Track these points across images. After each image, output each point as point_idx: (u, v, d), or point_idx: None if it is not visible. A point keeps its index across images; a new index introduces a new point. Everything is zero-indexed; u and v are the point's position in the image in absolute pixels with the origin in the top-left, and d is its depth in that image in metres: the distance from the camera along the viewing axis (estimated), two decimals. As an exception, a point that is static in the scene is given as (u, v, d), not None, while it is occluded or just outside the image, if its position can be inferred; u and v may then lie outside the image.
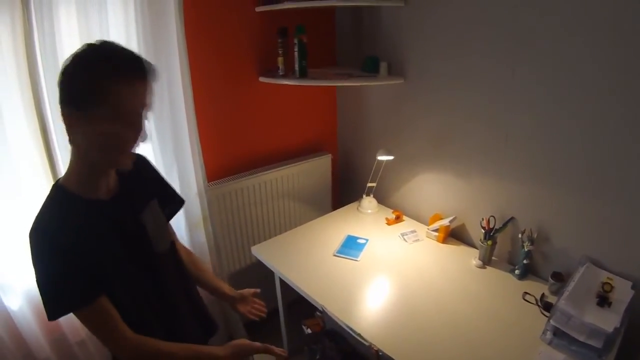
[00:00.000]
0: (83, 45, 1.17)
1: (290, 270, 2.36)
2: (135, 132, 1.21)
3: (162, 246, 1.51)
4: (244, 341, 1.55)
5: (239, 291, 1.90)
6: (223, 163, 2.83)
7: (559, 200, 2.15)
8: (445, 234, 2.62)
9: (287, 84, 2.65)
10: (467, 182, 2.57)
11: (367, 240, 2.65)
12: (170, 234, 1.63)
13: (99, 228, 1.29)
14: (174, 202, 1.71)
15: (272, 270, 2.47)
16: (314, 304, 2.15)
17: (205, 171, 2.57)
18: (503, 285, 2.24)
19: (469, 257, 2.47)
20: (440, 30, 2.43)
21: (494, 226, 2.36)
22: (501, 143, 2.31)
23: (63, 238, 1.19)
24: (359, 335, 1.86)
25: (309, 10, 2.72)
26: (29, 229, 1.20)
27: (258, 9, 2.62)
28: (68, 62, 1.15)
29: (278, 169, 2.98)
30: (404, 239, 2.67)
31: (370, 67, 2.81)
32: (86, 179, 1.28)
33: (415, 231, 2.75)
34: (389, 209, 3.08)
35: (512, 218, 2.36)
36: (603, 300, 1.83)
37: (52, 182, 1.34)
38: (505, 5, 2.10)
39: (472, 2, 2.23)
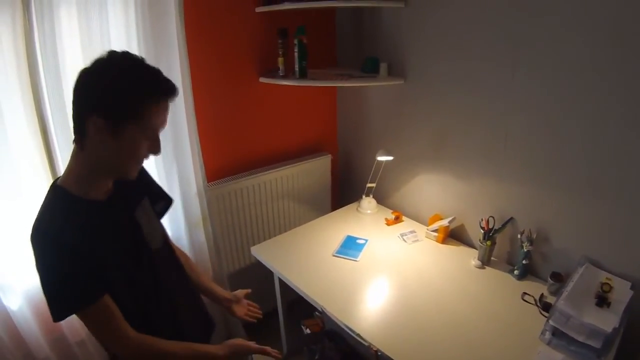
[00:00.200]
0: (108, 54, 1.22)
1: (290, 270, 2.36)
2: (154, 147, 1.29)
3: (155, 243, 1.53)
4: (241, 341, 1.57)
5: (233, 293, 1.91)
6: (223, 163, 2.83)
7: (558, 200, 2.15)
8: (444, 235, 2.63)
9: (287, 85, 2.65)
10: (467, 183, 2.57)
11: (366, 240, 2.65)
12: (162, 231, 1.64)
13: (99, 228, 1.30)
14: (163, 200, 1.72)
15: (271, 271, 2.47)
16: (313, 304, 2.15)
17: (205, 171, 2.58)
18: (502, 285, 2.24)
19: (468, 257, 2.48)
20: (441, 32, 2.44)
21: (493, 226, 2.36)
22: (501, 144, 2.31)
23: (65, 238, 1.20)
24: (358, 335, 1.87)
25: (309, 10, 2.72)
26: (31, 230, 1.21)
27: (258, 10, 2.62)
28: (101, 69, 1.19)
29: (278, 169, 2.98)
30: (404, 240, 2.67)
31: (370, 68, 2.82)
32: (85, 180, 1.29)
33: (414, 231, 2.75)
34: (388, 209, 3.08)
35: (511, 218, 2.37)
36: (602, 301, 1.83)
37: (51, 183, 1.35)
38: (505, 6, 2.10)
39: (472, 3, 2.23)
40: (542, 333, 1.84)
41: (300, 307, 2.49)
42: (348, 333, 1.91)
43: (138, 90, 1.18)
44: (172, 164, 2.41)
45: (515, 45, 2.11)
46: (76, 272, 1.21)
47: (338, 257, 2.48)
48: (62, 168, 1.97)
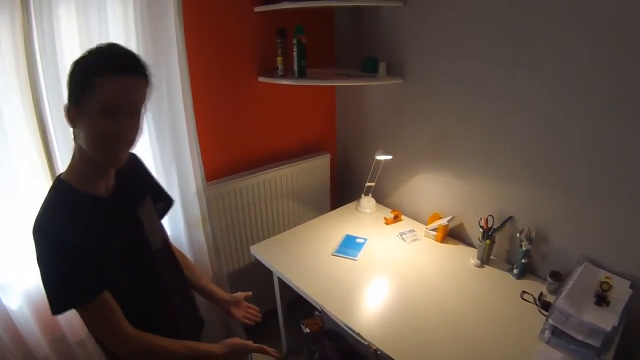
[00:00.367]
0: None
1: (289, 269, 2.36)
2: (122, 127, 1.23)
3: (156, 242, 1.54)
4: (239, 340, 1.58)
5: (232, 295, 1.91)
6: (222, 163, 2.83)
7: (558, 199, 2.15)
8: (443, 234, 2.63)
9: (286, 84, 2.65)
10: (466, 182, 2.57)
11: (365, 239, 2.65)
12: (162, 230, 1.65)
13: (100, 224, 1.32)
14: (164, 200, 1.74)
15: (271, 270, 2.47)
16: (312, 303, 2.15)
17: (204, 171, 2.57)
18: (501, 284, 2.24)
19: (468, 256, 2.48)
20: (440, 31, 2.44)
21: (492, 225, 2.37)
22: (500, 143, 2.31)
23: (67, 237, 1.21)
24: (357, 334, 1.87)
25: (308, 10, 2.73)
26: (33, 224, 1.22)
27: (257, 9, 2.62)
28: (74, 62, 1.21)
29: (277, 168, 2.99)
30: (403, 239, 2.67)
31: (369, 67, 2.82)
32: (86, 175, 1.31)
33: (413, 231, 2.76)
34: (387, 208, 3.08)
35: (510, 217, 2.37)
36: (601, 300, 1.84)
37: (51, 183, 1.36)
38: (504, 6, 2.10)
39: (471, 2, 2.23)
40: (542, 332, 1.84)
41: (299, 306, 2.49)
42: (347, 332, 1.91)
43: (92, 68, 1.17)
44: (171, 163, 2.40)
45: (515, 45, 2.11)
46: (77, 270, 1.23)
47: (337, 256, 2.48)
48: (61, 168, 1.97)
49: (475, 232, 2.54)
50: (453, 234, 2.72)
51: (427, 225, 2.73)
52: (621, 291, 1.89)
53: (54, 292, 1.24)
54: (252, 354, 1.92)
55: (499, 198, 2.41)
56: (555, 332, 1.78)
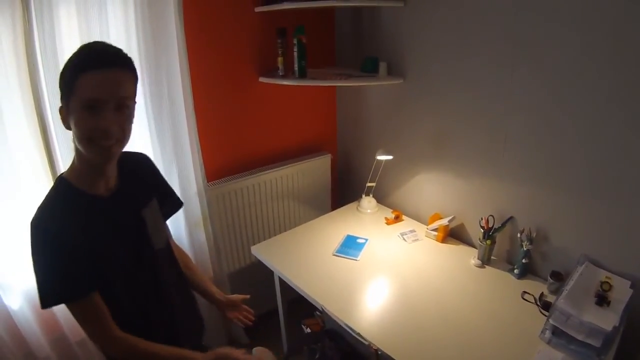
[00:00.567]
0: None
1: (290, 269, 2.36)
2: (107, 122, 1.22)
3: (159, 243, 1.54)
4: (229, 350, 1.56)
5: (228, 296, 1.91)
6: (223, 163, 2.83)
7: (558, 199, 2.15)
8: (444, 234, 2.63)
9: (286, 84, 2.66)
10: (467, 182, 2.57)
11: (366, 239, 2.65)
12: (166, 232, 1.65)
13: (98, 224, 1.34)
14: (172, 202, 1.74)
15: (271, 270, 2.47)
16: (313, 303, 2.15)
17: (205, 171, 2.58)
18: (502, 284, 2.24)
19: (468, 256, 2.48)
20: (440, 31, 2.44)
21: (493, 226, 2.36)
22: (500, 143, 2.31)
23: (63, 231, 1.24)
24: (358, 334, 1.87)
25: (308, 10, 2.73)
26: (31, 218, 1.24)
27: (257, 10, 2.62)
28: None
29: (278, 169, 2.99)
30: (404, 239, 2.67)
31: (369, 68, 2.82)
32: (85, 175, 1.33)
33: (414, 231, 2.75)
34: (388, 208, 3.08)
35: (511, 217, 2.37)
36: (602, 300, 1.83)
37: (52, 183, 1.37)
38: (504, 7, 2.10)
39: (473, 3, 2.23)
40: (542, 332, 1.84)
41: (300, 306, 2.49)
42: (348, 332, 1.91)
43: (72, 64, 1.18)
44: (171, 163, 2.41)
45: (515, 45, 2.11)
46: (69, 267, 1.25)
47: (338, 256, 2.48)
48: (62, 167, 1.98)
49: (475, 232, 2.54)
50: (454, 234, 2.71)
51: (427, 225, 2.73)
52: (622, 291, 1.88)
53: (44, 287, 1.27)
54: (254, 349, 1.93)
55: (500, 198, 2.41)
56: (556, 332, 1.78)
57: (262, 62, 2.81)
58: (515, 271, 2.28)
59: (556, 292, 2.05)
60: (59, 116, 1.25)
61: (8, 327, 2.01)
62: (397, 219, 2.91)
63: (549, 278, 2.13)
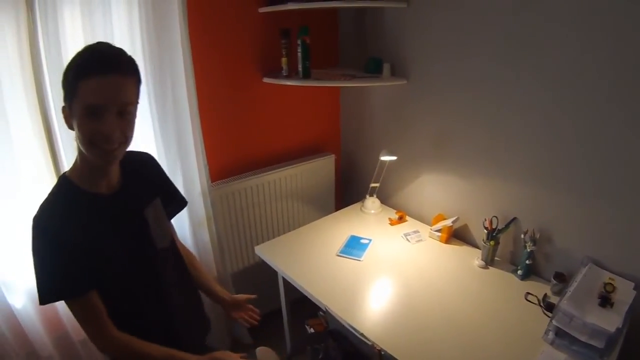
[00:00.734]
0: None
1: (294, 270, 2.36)
2: (110, 127, 1.22)
3: (162, 243, 1.54)
4: (227, 354, 1.56)
5: (233, 296, 1.90)
6: (227, 163, 2.84)
7: (562, 200, 2.15)
8: (448, 235, 2.63)
9: (290, 85, 2.66)
10: (470, 183, 2.57)
11: (370, 240, 2.65)
12: (170, 231, 1.65)
13: (98, 223, 1.35)
14: (176, 201, 1.75)
15: (275, 270, 2.48)
16: (317, 303, 2.16)
17: (209, 171, 2.58)
18: (505, 285, 2.24)
19: (472, 257, 2.48)
20: (443, 32, 2.44)
21: (496, 226, 2.36)
22: (504, 144, 2.31)
23: (63, 229, 1.26)
24: (361, 334, 1.87)
25: (312, 11, 2.73)
26: (33, 217, 1.26)
27: (261, 10, 2.62)
28: None
29: (281, 169, 2.99)
30: (407, 239, 2.67)
31: (373, 68, 2.82)
32: (87, 174, 1.34)
33: (418, 231, 2.75)
34: (392, 209, 3.08)
35: (514, 218, 2.37)
36: (605, 301, 1.83)
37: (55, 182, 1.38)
38: (508, 7, 2.10)
39: (475, 4, 2.23)
40: (545, 333, 1.84)
41: (304, 306, 2.49)
42: (352, 332, 1.91)
43: (74, 69, 1.18)
44: (175, 163, 2.42)
45: (518, 46, 2.11)
46: (68, 264, 1.27)
47: (342, 256, 2.48)
48: (66, 167, 1.98)
49: (479, 233, 2.54)
50: (457, 235, 2.71)
51: (431, 226, 2.73)
52: (625, 293, 1.88)
53: (43, 284, 1.28)
54: (257, 349, 1.93)
55: (503, 199, 2.41)
56: (559, 333, 1.78)
57: (266, 63, 2.81)
58: (519, 272, 2.27)
59: (559, 293, 2.05)
60: (62, 116, 1.26)
61: (11, 325, 2.02)
62: (401, 219, 2.91)
63: (552, 279, 2.12)
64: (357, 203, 3.18)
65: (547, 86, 2.05)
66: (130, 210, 1.45)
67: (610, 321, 1.72)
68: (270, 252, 2.53)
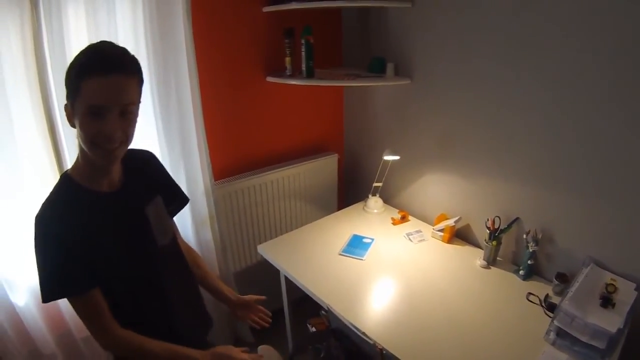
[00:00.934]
0: None
1: (296, 269, 2.37)
2: (111, 127, 1.22)
3: (163, 240, 1.55)
4: (229, 349, 1.57)
5: (241, 296, 1.90)
6: (230, 162, 2.84)
7: (564, 201, 2.15)
8: (450, 234, 2.63)
9: (294, 84, 2.67)
10: (473, 183, 2.57)
11: (372, 239, 2.65)
12: (171, 229, 1.66)
13: (100, 220, 1.35)
14: (178, 199, 1.76)
15: (277, 269, 2.48)
16: (319, 302, 2.16)
17: (212, 170, 2.59)
18: (507, 285, 2.24)
19: (474, 257, 2.48)
20: (447, 32, 2.44)
21: (499, 227, 2.36)
22: (506, 144, 2.31)
23: (64, 227, 1.27)
24: (363, 334, 1.87)
25: (315, 10, 2.74)
26: (36, 215, 1.27)
27: (265, 9, 2.63)
28: None
29: (284, 168, 3.00)
30: (410, 239, 2.67)
31: (376, 68, 2.82)
32: (88, 172, 1.35)
33: (420, 231, 2.76)
34: (394, 208, 3.09)
35: (517, 219, 2.37)
36: (606, 301, 1.83)
37: (58, 180, 1.39)
38: (510, 8, 2.10)
39: (478, 4, 2.23)
40: (547, 333, 1.84)
41: (306, 305, 2.50)
42: (353, 332, 1.92)
43: (76, 68, 1.19)
44: (179, 162, 2.42)
45: (520, 47, 2.11)
46: (68, 262, 1.28)
47: (344, 256, 2.49)
48: (69, 166, 1.99)
49: (481, 233, 2.54)
50: (460, 235, 2.71)
51: (434, 225, 2.73)
52: (626, 293, 1.88)
53: (46, 281, 1.29)
54: (259, 347, 1.93)
55: (506, 199, 2.41)
56: (560, 333, 1.78)
57: (270, 62, 2.81)
58: (521, 272, 2.28)
59: (561, 293, 2.06)
60: (65, 114, 1.27)
61: (14, 323, 2.03)
62: (404, 219, 2.91)
63: (554, 279, 2.13)
64: (360, 202, 3.18)
65: (547, 86, 2.06)
66: (132, 208, 1.45)
67: (612, 322, 1.72)
68: (273, 251, 2.54)
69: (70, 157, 2.00)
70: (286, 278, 2.47)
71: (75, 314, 1.36)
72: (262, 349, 1.96)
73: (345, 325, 1.96)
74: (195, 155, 2.47)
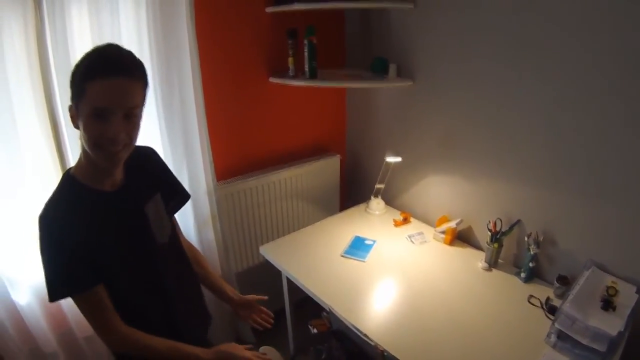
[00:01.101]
0: None
1: (298, 270, 2.37)
2: (115, 130, 1.23)
3: (162, 237, 1.56)
4: (233, 347, 1.58)
5: (243, 296, 1.91)
6: (232, 162, 2.85)
7: (565, 203, 2.15)
8: (452, 236, 2.63)
9: (297, 85, 2.67)
10: (475, 185, 2.57)
11: (374, 241, 2.65)
12: (171, 226, 1.66)
13: (102, 219, 1.36)
14: (179, 195, 1.76)
15: (279, 270, 2.48)
16: (320, 304, 2.16)
17: (215, 170, 2.59)
18: (509, 287, 2.24)
19: (475, 259, 2.48)
20: (449, 33, 2.44)
21: (500, 229, 2.36)
22: (507, 144, 2.31)
23: (67, 226, 1.28)
24: (365, 335, 1.87)
25: (318, 11, 2.74)
26: (39, 213, 1.28)
27: (268, 10, 2.63)
28: None
29: (287, 169, 3.00)
30: (411, 241, 2.67)
31: (378, 68, 2.83)
32: (91, 172, 1.35)
33: (422, 233, 2.76)
34: (396, 210, 3.09)
35: (518, 221, 2.37)
36: (607, 304, 1.83)
37: (61, 180, 1.40)
38: (511, 9, 2.11)
39: (480, 5, 2.24)
40: (548, 336, 1.84)
41: (307, 306, 2.50)
42: (355, 333, 1.92)
43: (82, 70, 1.19)
44: (182, 162, 2.43)
45: (521, 47, 2.11)
46: (72, 260, 1.29)
47: (346, 257, 2.49)
48: (72, 164, 1.99)
49: (483, 235, 2.54)
50: (461, 237, 2.71)
51: (435, 227, 2.73)
52: (627, 296, 1.88)
53: (51, 281, 1.31)
54: (261, 348, 1.94)
55: (507, 201, 2.41)
56: (561, 336, 1.78)
57: (273, 63, 2.82)
58: (522, 275, 2.28)
59: (562, 296, 2.05)
60: (69, 115, 1.28)
61: (15, 321, 2.03)
62: (405, 221, 2.91)
63: (555, 282, 2.13)
64: (362, 204, 3.18)
65: (548, 86, 2.06)
66: (132, 206, 1.46)
67: (613, 324, 1.72)
68: (275, 252, 2.54)
69: (73, 156, 2.00)
70: (288, 279, 2.47)
71: (76, 313, 1.37)
72: (264, 350, 1.96)
73: (347, 326, 1.96)
74: (197, 155, 2.47)
